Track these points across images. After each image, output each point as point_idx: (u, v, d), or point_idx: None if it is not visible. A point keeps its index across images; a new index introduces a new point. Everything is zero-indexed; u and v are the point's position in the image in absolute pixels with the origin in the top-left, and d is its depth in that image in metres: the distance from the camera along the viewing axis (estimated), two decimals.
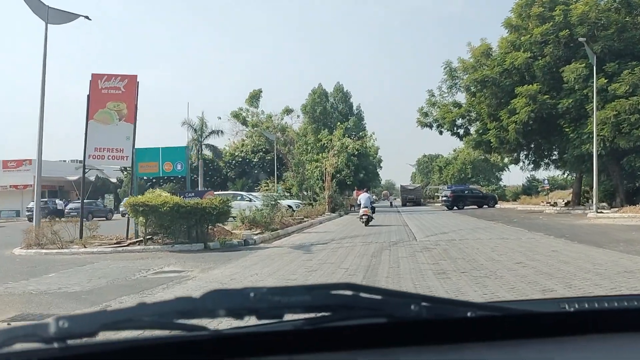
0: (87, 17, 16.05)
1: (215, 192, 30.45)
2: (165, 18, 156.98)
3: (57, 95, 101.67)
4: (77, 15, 16.12)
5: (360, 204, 22.12)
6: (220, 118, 46.45)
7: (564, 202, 35.48)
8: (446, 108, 34.02)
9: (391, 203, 58.37)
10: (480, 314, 1.06)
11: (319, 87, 57.19)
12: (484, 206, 41.53)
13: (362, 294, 1.00)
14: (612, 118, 24.10)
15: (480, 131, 32.57)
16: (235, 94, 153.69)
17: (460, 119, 34.09)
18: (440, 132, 35.27)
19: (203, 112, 75.48)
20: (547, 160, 34.72)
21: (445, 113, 33.60)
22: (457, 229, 18.37)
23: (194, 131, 48.64)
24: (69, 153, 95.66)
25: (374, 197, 28.65)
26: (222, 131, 47.61)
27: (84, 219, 15.66)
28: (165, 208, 13.01)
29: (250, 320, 0.95)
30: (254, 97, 40.93)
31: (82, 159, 15.99)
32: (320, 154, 41.02)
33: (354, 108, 60.35)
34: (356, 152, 42.83)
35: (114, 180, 52.20)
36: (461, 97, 34.43)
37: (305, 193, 40.88)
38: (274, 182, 33.05)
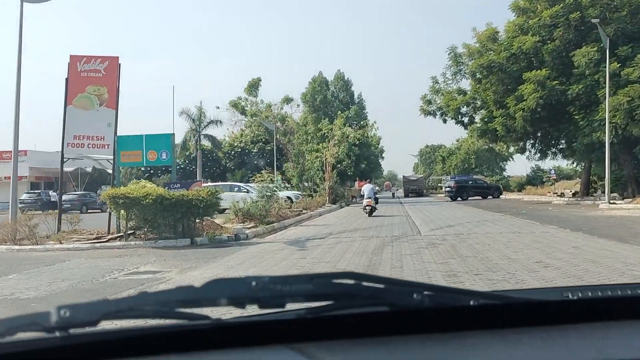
0: None
1: (210, 183, 29.55)
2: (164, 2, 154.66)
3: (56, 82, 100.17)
4: None
5: (363, 195, 22.28)
6: (218, 107, 45.12)
7: (571, 193, 34.32)
8: (450, 95, 32.91)
9: (393, 194, 57.03)
10: (482, 303, 1.04)
11: (319, 75, 56.02)
12: (489, 197, 40.29)
13: (364, 283, 1.00)
14: (624, 104, 22.72)
15: (486, 119, 31.41)
16: (233, 83, 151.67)
17: (464, 106, 33.01)
18: (444, 121, 34.23)
19: (201, 102, 74.19)
20: (554, 150, 33.46)
21: (450, 100, 32.47)
22: (463, 221, 17.30)
23: (192, 121, 47.58)
24: None
25: (376, 188, 27.98)
26: (220, 121, 46.42)
27: (77, 211, 14.65)
28: (147, 200, 11.93)
29: (253, 310, 0.95)
30: (253, 86, 39.73)
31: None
32: (321, 144, 39.99)
33: (355, 97, 59.26)
34: (357, 142, 41.61)
35: (110, 171, 51.20)
36: (466, 84, 33.32)
37: (305, 184, 39.88)
38: (273, 173, 32.02)
